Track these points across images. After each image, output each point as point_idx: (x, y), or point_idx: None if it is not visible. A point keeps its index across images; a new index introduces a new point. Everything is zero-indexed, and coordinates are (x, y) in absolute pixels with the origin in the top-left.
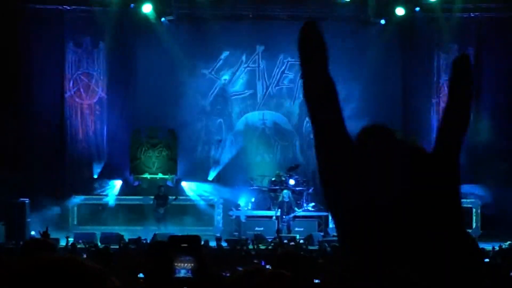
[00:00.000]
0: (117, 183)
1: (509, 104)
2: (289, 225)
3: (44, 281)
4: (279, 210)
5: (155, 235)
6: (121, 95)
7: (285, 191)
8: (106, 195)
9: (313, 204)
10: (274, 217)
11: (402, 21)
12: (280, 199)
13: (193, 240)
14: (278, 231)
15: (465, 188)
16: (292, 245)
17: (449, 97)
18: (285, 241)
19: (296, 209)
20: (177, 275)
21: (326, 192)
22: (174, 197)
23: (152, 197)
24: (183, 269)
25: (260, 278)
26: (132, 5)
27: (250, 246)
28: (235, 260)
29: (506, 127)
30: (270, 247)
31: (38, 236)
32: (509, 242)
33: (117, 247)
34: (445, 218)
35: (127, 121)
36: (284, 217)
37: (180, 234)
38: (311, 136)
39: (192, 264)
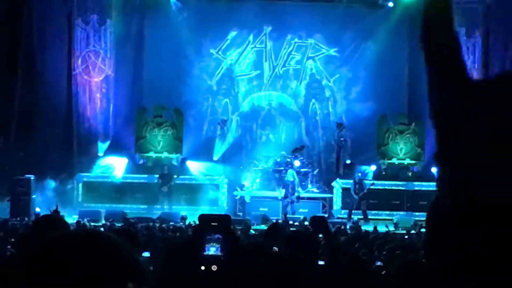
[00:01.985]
0: (123, 161)
1: None
2: (291, 205)
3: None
4: (283, 190)
5: (160, 216)
6: (128, 74)
7: (290, 170)
8: (111, 173)
9: (319, 185)
10: (280, 198)
11: (409, 3)
12: (286, 178)
13: (223, 219)
14: (286, 213)
15: None
16: (297, 225)
17: None
18: (291, 222)
19: (298, 190)
20: (207, 253)
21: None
22: (176, 176)
23: (157, 175)
24: (213, 246)
25: (267, 258)
26: None
27: (256, 227)
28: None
29: None
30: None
31: (43, 213)
32: None
33: (122, 224)
34: None
35: (134, 99)
36: (288, 196)
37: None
38: (316, 117)
39: (222, 242)
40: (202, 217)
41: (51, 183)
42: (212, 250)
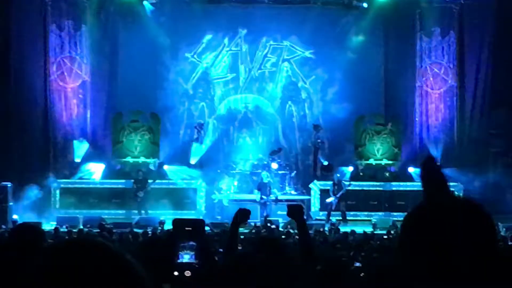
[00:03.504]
0: (100, 167)
1: (492, 88)
2: (265, 207)
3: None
4: (259, 191)
5: (137, 221)
6: (104, 79)
7: (264, 172)
8: (89, 179)
9: (297, 187)
10: (259, 201)
11: (384, 4)
12: (259, 180)
13: (197, 223)
14: (266, 216)
15: (450, 171)
16: (274, 228)
17: None
18: (268, 224)
19: (274, 191)
20: (181, 260)
21: None
22: (152, 181)
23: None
24: (187, 254)
25: (252, 263)
26: None
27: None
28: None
29: (488, 111)
30: (253, 231)
31: (20, 221)
32: None
33: (99, 231)
34: None
35: (110, 104)
36: (263, 198)
37: (182, 218)
38: (293, 119)
39: (196, 249)
40: (176, 222)
41: (28, 190)
42: (186, 257)
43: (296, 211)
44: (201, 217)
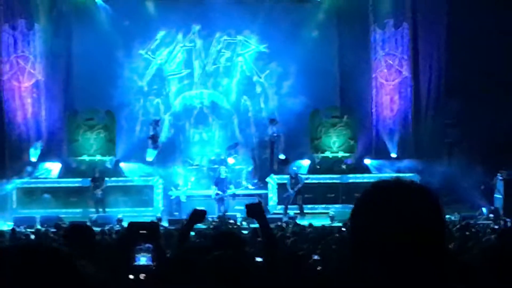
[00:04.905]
0: (57, 166)
1: (446, 78)
2: (223, 202)
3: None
4: (216, 187)
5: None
6: (58, 78)
7: (222, 167)
8: (45, 178)
9: (254, 181)
10: (214, 197)
11: None
12: (217, 175)
13: (152, 226)
14: (225, 211)
15: (406, 162)
16: (232, 223)
17: None
18: (229, 220)
19: (231, 187)
20: (137, 263)
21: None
22: (107, 178)
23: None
24: (143, 257)
25: (208, 258)
26: None
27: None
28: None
29: (442, 102)
30: (211, 226)
31: None
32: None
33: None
34: None
35: (65, 103)
36: (219, 193)
37: (137, 221)
38: (249, 114)
39: (152, 252)
40: (130, 226)
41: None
42: (142, 260)
43: (256, 210)
44: (159, 214)
